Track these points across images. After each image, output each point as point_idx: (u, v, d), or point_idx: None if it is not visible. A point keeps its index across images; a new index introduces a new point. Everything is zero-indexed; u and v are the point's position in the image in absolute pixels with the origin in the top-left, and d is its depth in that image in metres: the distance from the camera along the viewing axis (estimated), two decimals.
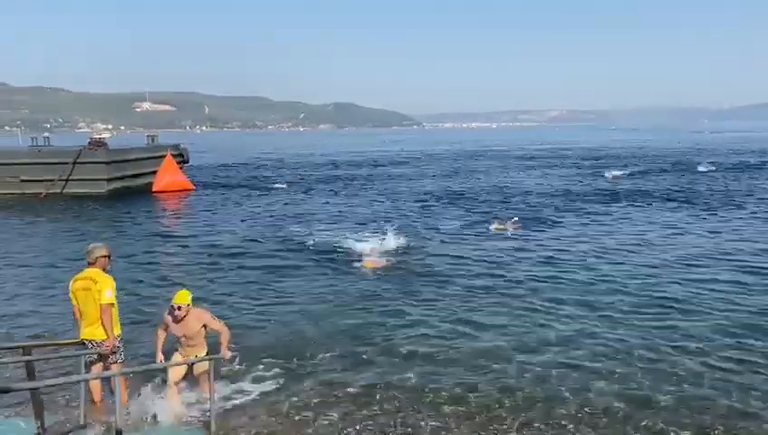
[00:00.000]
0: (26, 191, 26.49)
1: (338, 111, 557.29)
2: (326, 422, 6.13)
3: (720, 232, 15.72)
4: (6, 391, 5.13)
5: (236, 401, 6.58)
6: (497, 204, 22.53)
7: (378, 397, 6.66)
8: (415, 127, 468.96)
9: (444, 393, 6.69)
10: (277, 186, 30.80)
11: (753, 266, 11.90)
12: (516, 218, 17.16)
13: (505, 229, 15.99)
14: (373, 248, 13.25)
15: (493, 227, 16.28)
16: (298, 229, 17.34)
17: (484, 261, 12.76)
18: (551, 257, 12.99)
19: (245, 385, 6.97)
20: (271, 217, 20.16)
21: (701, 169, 33.92)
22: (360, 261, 12.56)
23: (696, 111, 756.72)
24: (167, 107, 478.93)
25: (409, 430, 5.99)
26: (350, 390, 6.85)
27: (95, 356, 6.28)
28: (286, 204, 23.70)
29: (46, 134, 35.56)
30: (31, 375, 5.79)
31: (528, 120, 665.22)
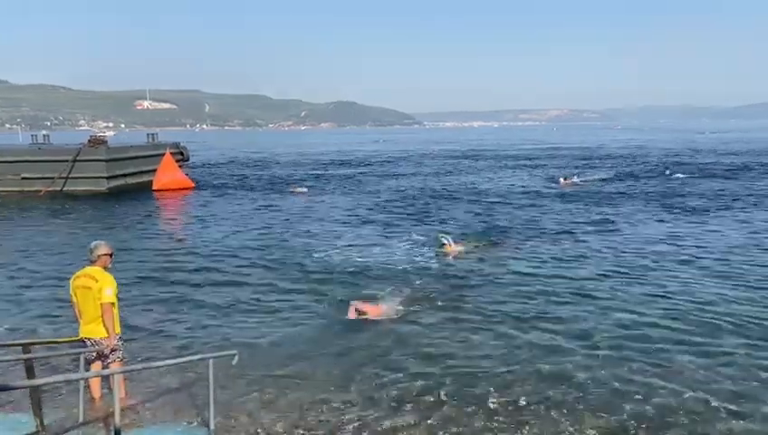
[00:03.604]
0: (26, 189, 26.51)
1: (339, 110, 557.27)
2: (323, 420, 6.15)
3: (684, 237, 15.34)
4: (5, 388, 5.12)
5: (236, 401, 6.59)
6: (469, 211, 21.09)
7: (377, 402, 6.69)
8: (416, 126, 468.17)
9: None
10: (276, 185, 30.81)
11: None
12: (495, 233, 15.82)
13: (452, 250, 13.95)
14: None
15: (441, 246, 14.07)
16: (288, 233, 16.98)
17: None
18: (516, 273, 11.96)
19: (244, 385, 6.98)
20: (267, 225, 18.75)
21: (676, 174, 32.69)
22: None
23: (700, 111, 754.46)
24: (167, 105, 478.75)
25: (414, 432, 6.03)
26: (348, 394, 6.86)
27: (94, 354, 6.28)
28: (283, 205, 23.64)
29: (45, 132, 35.41)
30: (30, 373, 5.79)
31: (530, 119, 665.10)
